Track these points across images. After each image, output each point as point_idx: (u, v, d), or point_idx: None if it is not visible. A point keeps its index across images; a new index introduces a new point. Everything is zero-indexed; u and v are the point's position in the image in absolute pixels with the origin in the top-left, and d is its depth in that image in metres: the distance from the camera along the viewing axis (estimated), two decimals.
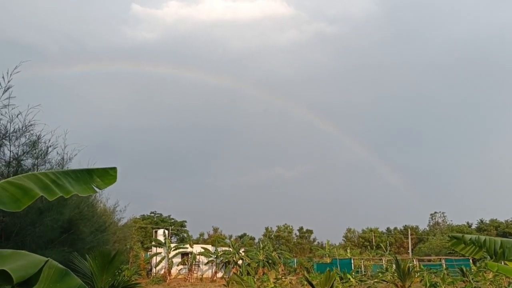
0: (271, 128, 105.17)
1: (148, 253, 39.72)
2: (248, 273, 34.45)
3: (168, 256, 35.85)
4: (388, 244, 54.50)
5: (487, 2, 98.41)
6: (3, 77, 7.94)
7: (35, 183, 3.69)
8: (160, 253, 36.45)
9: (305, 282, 15.23)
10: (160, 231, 39.21)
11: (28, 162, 9.18)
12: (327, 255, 48.08)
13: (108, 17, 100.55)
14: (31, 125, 8.72)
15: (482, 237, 5.56)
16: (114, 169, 4.72)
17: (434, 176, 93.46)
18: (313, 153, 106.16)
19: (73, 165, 12.78)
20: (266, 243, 42.55)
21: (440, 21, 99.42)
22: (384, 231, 72.71)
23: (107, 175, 4.57)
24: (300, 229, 74.99)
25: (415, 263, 36.63)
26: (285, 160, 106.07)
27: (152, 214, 73.00)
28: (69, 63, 78.60)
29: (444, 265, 37.16)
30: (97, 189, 4.34)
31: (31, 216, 8.05)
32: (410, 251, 60.79)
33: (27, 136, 8.74)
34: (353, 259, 41.93)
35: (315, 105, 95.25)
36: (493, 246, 5.36)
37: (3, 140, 8.02)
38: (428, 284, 15.65)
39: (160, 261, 35.81)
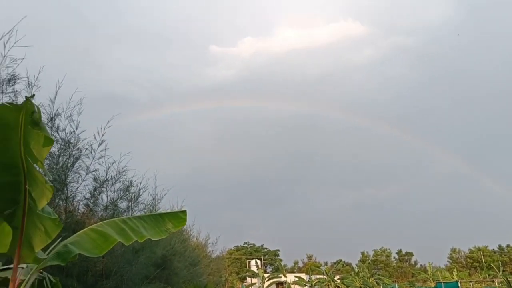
0: (357, 148, 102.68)
1: (244, 283, 40.46)
2: None
3: (262, 286, 36.21)
4: (500, 264, 49.25)
5: None
6: (98, 132, 9.05)
7: (114, 229, 4.28)
8: (255, 283, 36.98)
9: None
10: (253, 262, 39.88)
11: (123, 204, 10.26)
12: (430, 279, 44.84)
13: (189, 61, 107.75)
14: (124, 171, 9.82)
15: None
16: (184, 212, 5.23)
17: None
18: (405, 169, 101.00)
19: (164, 204, 13.94)
20: (362, 268, 41.02)
21: None
22: (496, 249, 65.84)
23: (178, 218, 5.08)
24: (399, 252, 70.96)
25: None
26: (375, 180, 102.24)
27: (246, 245, 74.44)
28: (158, 108, 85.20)
29: None
30: (168, 232, 4.85)
31: (127, 255, 8.97)
32: None
33: (121, 182, 9.83)
34: (460, 282, 38.62)
35: (400, 119, 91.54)
36: None
37: (102, 188, 9.14)
38: None
39: None
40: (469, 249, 66.45)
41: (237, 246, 72.19)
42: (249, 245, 74.86)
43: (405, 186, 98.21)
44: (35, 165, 3.04)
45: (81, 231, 4.13)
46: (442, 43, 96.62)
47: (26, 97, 2.67)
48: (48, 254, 3.75)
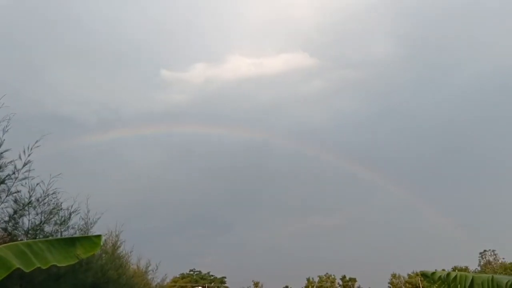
0: (305, 178, 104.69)
1: None
2: None
3: None
4: None
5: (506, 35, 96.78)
6: (24, 152, 8.71)
7: (15, 254, 4.05)
8: None
9: None
10: None
11: (49, 228, 9.83)
12: None
13: (139, 84, 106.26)
14: (53, 193, 9.50)
15: (453, 273, 5.65)
16: (98, 237, 5.08)
17: (482, 211, 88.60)
18: (350, 199, 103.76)
19: (100, 229, 13.47)
20: None
21: (463, 56, 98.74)
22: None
23: (91, 243, 4.89)
24: (343, 277, 72.30)
25: None
26: (322, 209, 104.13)
27: (192, 272, 72.68)
28: (106, 131, 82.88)
29: None
30: (78, 258, 4.72)
31: (48, 282, 8.62)
32: None
33: (48, 204, 9.50)
34: None
35: (347, 151, 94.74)
36: (464, 283, 5.43)
37: (23, 211, 8.78)
38: None
39: None
40: (408, 274, 68.93)
41: (182, 273, 70.33)
42: (195, 273, 73.19)
43: (349, 215, 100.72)
44: None
45: None
46: (388, 77, 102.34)
47: None
48: None
